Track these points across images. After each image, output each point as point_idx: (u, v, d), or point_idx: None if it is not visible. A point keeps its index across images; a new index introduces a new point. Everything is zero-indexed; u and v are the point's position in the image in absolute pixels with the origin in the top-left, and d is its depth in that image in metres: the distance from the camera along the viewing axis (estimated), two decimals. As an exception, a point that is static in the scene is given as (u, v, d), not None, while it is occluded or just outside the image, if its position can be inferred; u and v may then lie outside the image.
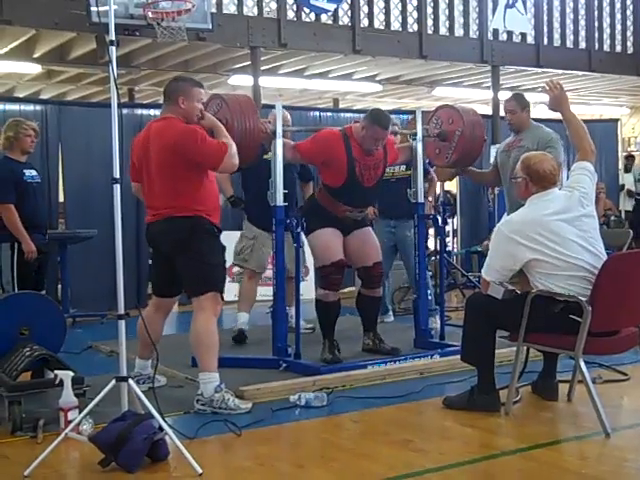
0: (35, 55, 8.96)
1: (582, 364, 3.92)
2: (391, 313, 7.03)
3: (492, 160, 8.93)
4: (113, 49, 3.78)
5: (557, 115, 4.69)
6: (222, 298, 4.49)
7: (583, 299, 3.89)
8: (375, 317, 5.66)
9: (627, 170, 12.63)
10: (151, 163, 4.39)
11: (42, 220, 6.26)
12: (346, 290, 5.96)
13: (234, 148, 4.32)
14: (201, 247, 4.34)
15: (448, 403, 4.35)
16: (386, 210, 6.66)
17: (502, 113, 9.24)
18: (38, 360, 4.31)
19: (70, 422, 3.79)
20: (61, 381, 4.02)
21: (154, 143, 4.37)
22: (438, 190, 7.83)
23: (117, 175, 3.75)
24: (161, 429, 3.54)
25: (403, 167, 6.40)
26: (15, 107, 8.04)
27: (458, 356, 4.51)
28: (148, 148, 4.40)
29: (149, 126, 4.52)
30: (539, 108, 9.74)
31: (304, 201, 6.12)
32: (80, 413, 3.79)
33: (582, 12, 10.68)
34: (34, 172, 6.16)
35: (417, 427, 4.16)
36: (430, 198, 6.85)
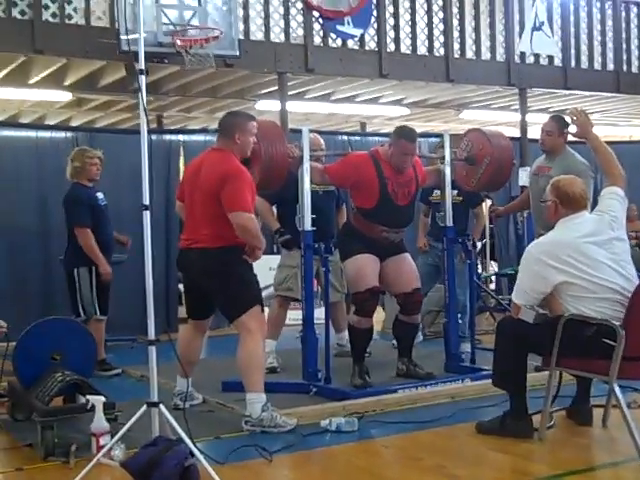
0: (66, 83, 9.08)
1: (617, 389, 3.87)
2: (420, 334, 6.96)
3: (521, 182, 8.98)
4: (143, 78, 3.82)
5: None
6: (263, 310, 4.60)
7: (616, 323, 3.84)
8: (411, 343, 5.62)
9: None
10: (197, 189, 4.53)
11: (112, 242, 6.39)
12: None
13: (253, 223, 4.40)
14: (234, 270, 4.45)
15: (480, 428, 4.31)
16: (436, 233, 6.65)
17: (530, 135, 9.28)
18: (70, 385, 4.34)
19: (102, 447, 3.81)
20: (93, 406, 4.05)
21: (206, 171, 4.50)
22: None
23: (147, 202, 3.78)
24: (192, 454, 3.54)
25: (455, 192, 6.30)
26: (46, 134, 8.15)
27: (489, 380, 4.46)
28: (199, 175, 4.53)
29: (204, 155, 4.67)
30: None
31: (338, 227, 6.12)
32: (112, 438, 3.80)
33: (610, 34, 10.63)
34: (101, 195, 6.31)
35: (449, 452, 4.11)
36: (476, 237, 6.80)
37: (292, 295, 5.96)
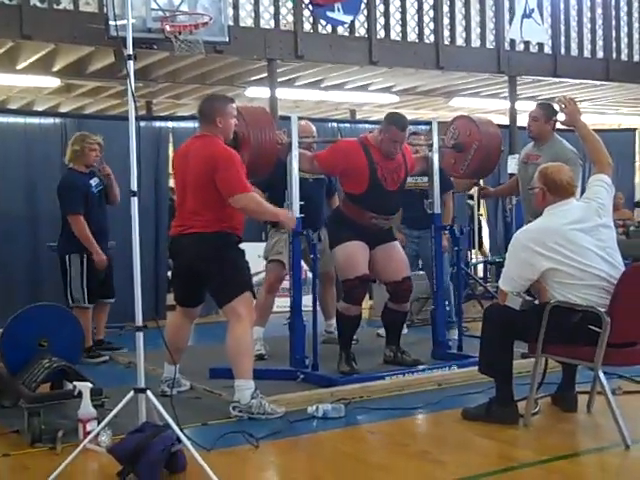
0: (54, 69, 9.04)
1: (601, 375, 3.90)
2: (405, 325, 6.95)
3: (510, 170, 8.99)
4: (131, 63, 3.81)
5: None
6: (254, 296, 4.65)
7: (602, 310, 3.87)
8: (400, 331, 5.66)
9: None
10: (186, 178, 4.56)
11: (106, 228, 6.37)
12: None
13: (260, 203, 4.55)
14: (227, 255, 4.49)
15: (466, 415, 4.34)
16: (410, 221, 6.63)
17: (519, 123, 9.29)
18: (57, 371, 4.34)
19: (89, 433, 3.82)
20: (80, 392, 4.06)
21: (194, 158, 4.53)
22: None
23: (134, 188, 3.77)
24: (179, 440, 3.55)
25: (426, 179, 6.32)
26: (35, 120, 8.10)
27: (476, 367, 4.48)
28: (187, 162, 4.56)
29: (190, 142, 4.68)
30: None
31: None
32: (99, 424, 3.81)
33: (599, 22, 10.64)
34: (97, 180, 6.31)
35: (435, 439, 4.14)
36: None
37: (281, 258, 5.85)
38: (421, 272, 7.07)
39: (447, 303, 6.01)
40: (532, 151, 5.70)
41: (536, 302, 4.23)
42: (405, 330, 6.86)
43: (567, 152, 5.46)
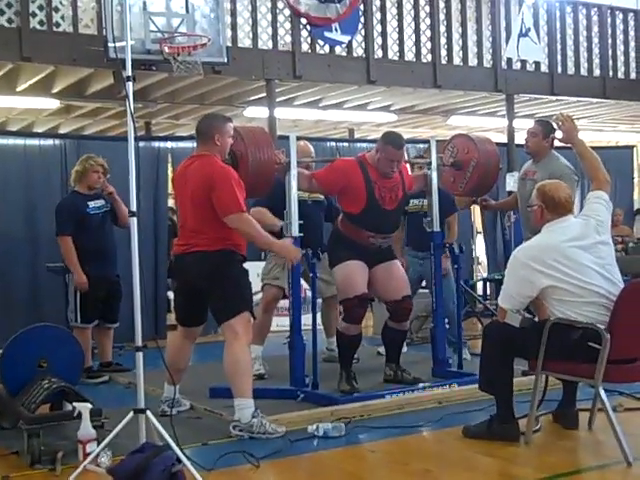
0: (54, 91, 9.08)
1: (602, 392, 3.89)
2: (405, 344, 6.92)
3: (508, 188, 9.02)
4: (130, 85, 3.84)
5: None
6: (254, 317, 4.65)
7: (601, 327, 3.87)
8: (400, 349, 5.65)
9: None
10: (186, 197, 4.58)
11: (109, 250, 6.32)
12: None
13: (254, 223, 4.48)
14: (230, 273, 4.50)
15: (467, 433, 4.32)
16: (415, 242, 6.60)
17: (517, 141, 9.32)
18: (57, 392, 4.32)
19: (88, 454, 3.81)
20: (79, 413, 4.04)
21: (192, 178, 4.54)
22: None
23: (134, 208, 3.78)
24: (179, 461, 3.53)
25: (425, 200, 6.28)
26: (35, 142, 8.14)
27: (476, 385, 4.47)
28: (186, 183, 4.57)
29: (188, 162, 4.69)
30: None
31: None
32: (98, 445, 3.80)
33: (595, 40, 10.72)
34: (101, 202, 6.29)
35: (436, 457, 4.12)
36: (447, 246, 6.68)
37: (278, 284, 5.86)
38: (423, 290, 7.02)
39: (447, 322, 5.98)
40: (530, 167, 5.74)
41: (536, 319, 4.23)
42: (405, 348, 6.86)
43: (562, 168, 5.48)
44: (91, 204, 6.21)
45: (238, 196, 4.42)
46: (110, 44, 6.88)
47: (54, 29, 7.47)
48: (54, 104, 9.86)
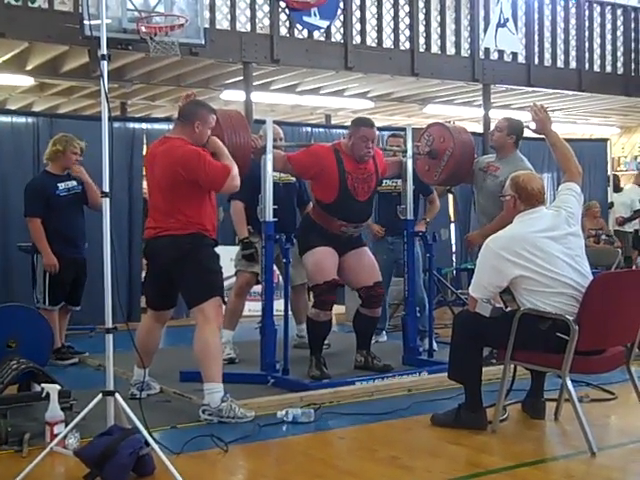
0: (28, 68, 8.95)
1: (569, 383, 3.93)
2: (384, 333, 6.97)
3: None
4: (104, 63, 3.79)
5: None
6: (224, 302, 4.65)
7: (570, 317, 3.91)
8: (371, 336, 5.68)
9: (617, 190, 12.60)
10: (155, 180, 4.57)
11: (77, 232, 6.27)
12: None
13: (235, 169, 4.47)
14: (201, 257, 4.51)
15: (435, 421, 4.36)
16: (384, 226, 6.64)
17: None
18: (25, 373, 4.29)
19: (56, 436, 3.78)
20: (47, 395, 4.01)
21: (160, 161, 4.52)
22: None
23: (107, 189, 3.75)
24: (147, 444, 3.53)
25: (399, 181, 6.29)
26: (7, 119, 8.02)
27: (446, 373, 4.50)
28: (154, 165, 4.56)
29: (157, 143, 4.66)
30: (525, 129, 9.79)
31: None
32: (66, 427, 3.78)
33: (573, 32, 10.77)
34: (72, 183, 6.21)
35: (404, 444, 4.15)
36: (428, 219, 6.77)
37: (251, 269, 5.83)
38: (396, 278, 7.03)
39: (418, 310, 6.01)
40: (493, 161, 5.71)
41: (507, 309, 4.27)
42: (384, 337, 6.89)
43: (525, 169, 5.44)
44: (61, 185, 6.13)
45: (218, 163, 4.43)
46: (86, 21, 6.80)
47: (29, 5, 7.35)
48: (28, 81, 9.73)
